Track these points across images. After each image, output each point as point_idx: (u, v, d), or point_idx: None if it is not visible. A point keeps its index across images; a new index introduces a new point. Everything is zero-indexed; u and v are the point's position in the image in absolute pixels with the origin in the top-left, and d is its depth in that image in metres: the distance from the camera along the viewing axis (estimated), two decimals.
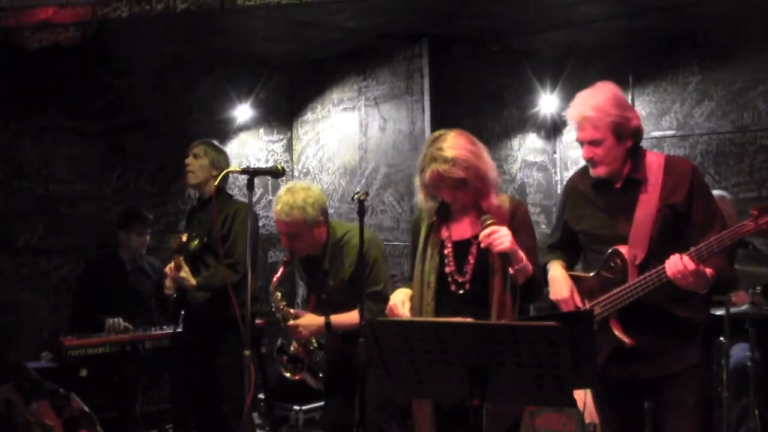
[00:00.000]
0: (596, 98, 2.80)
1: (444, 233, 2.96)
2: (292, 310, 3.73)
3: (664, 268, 2.60)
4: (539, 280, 2.88)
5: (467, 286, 2.87)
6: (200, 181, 4.33)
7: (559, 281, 2.91)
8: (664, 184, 2.75)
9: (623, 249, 2.74)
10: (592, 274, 2.86)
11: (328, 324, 3.60)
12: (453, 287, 2.89)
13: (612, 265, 2.76)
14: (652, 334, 2.72)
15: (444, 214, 2.99)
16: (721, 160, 5.45)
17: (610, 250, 2.77)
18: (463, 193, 2.87)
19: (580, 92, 2.88)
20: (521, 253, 2.74)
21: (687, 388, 2.71)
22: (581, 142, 2.83)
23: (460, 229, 2.95)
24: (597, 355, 2.72)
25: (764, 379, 4.19)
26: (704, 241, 2.58)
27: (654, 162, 2.80)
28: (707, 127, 5.55)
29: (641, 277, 2.68)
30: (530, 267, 2.78)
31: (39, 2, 4.55)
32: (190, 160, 4.34)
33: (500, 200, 2.90)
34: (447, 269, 2.91)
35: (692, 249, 2.56)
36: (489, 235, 2.69)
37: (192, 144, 4.42)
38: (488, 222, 2.72)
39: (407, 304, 2.97)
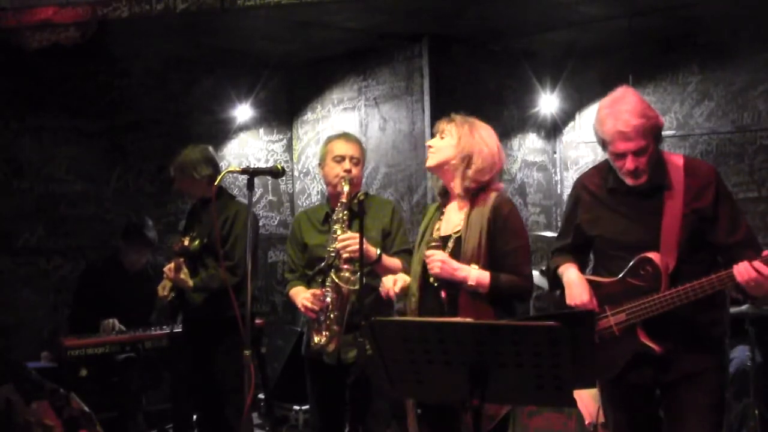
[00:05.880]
0: (630, 103, 2.65)
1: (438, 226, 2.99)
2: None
3: (725, 275, 2.53)
4: (508, 288, 2.79)
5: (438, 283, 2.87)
6: (196, 196, 4.35)
7: (576, 285, 2.80)
8: (687, 189, 2.67)
9: (655, 256, 2.65)
10: (613, 280, 2.75)
11: (380, 255, 3.35)
12: (431, 280, 2.89)
13: (642, 272, 2.66)
14: (673, 340, 2.67)
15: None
16: (721, 160, 5.44)
17: (639, 257, 2.67)
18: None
19: (602, 104, 2.74)
20: (462, 274, 2.74)
21: (703, 389, 2.68)
22: (622, 154, 2.66)
23: (446, 223, 2.97)
24: (619, 361, 2.70)
25: (765, 379, 4.19)
26: (734, 242, 2.59)
27: (674, 165, 2.72)
28: (707, 127, 5.55)
29: (693, 283, 2.57)
30: (485, 283, 2.73)
31: (39, 2, 4.54)
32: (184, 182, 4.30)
33: (487, 197, 2.87)
34: None
35: (764, 253, 2.50)
36: (426, 258, 2.81)
37: (183, 165, 4.25)
38: (431, 244, 2.83)
39: (399, 283, 2.97)
